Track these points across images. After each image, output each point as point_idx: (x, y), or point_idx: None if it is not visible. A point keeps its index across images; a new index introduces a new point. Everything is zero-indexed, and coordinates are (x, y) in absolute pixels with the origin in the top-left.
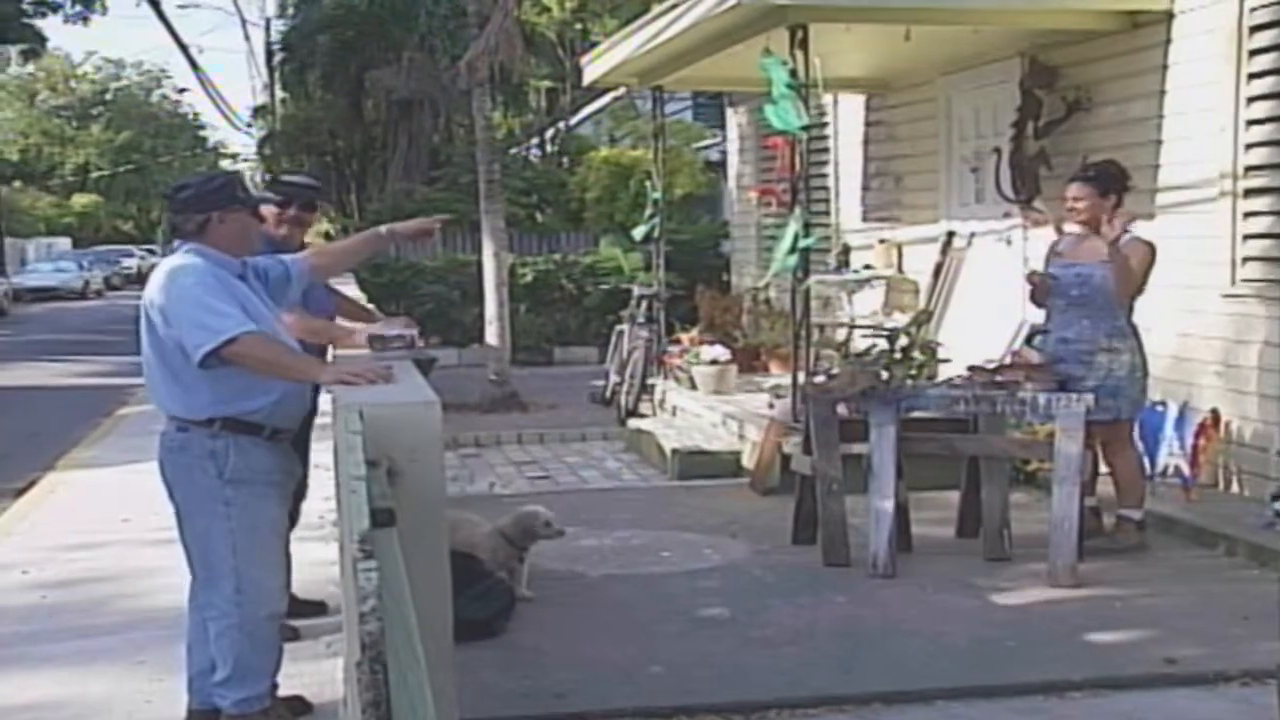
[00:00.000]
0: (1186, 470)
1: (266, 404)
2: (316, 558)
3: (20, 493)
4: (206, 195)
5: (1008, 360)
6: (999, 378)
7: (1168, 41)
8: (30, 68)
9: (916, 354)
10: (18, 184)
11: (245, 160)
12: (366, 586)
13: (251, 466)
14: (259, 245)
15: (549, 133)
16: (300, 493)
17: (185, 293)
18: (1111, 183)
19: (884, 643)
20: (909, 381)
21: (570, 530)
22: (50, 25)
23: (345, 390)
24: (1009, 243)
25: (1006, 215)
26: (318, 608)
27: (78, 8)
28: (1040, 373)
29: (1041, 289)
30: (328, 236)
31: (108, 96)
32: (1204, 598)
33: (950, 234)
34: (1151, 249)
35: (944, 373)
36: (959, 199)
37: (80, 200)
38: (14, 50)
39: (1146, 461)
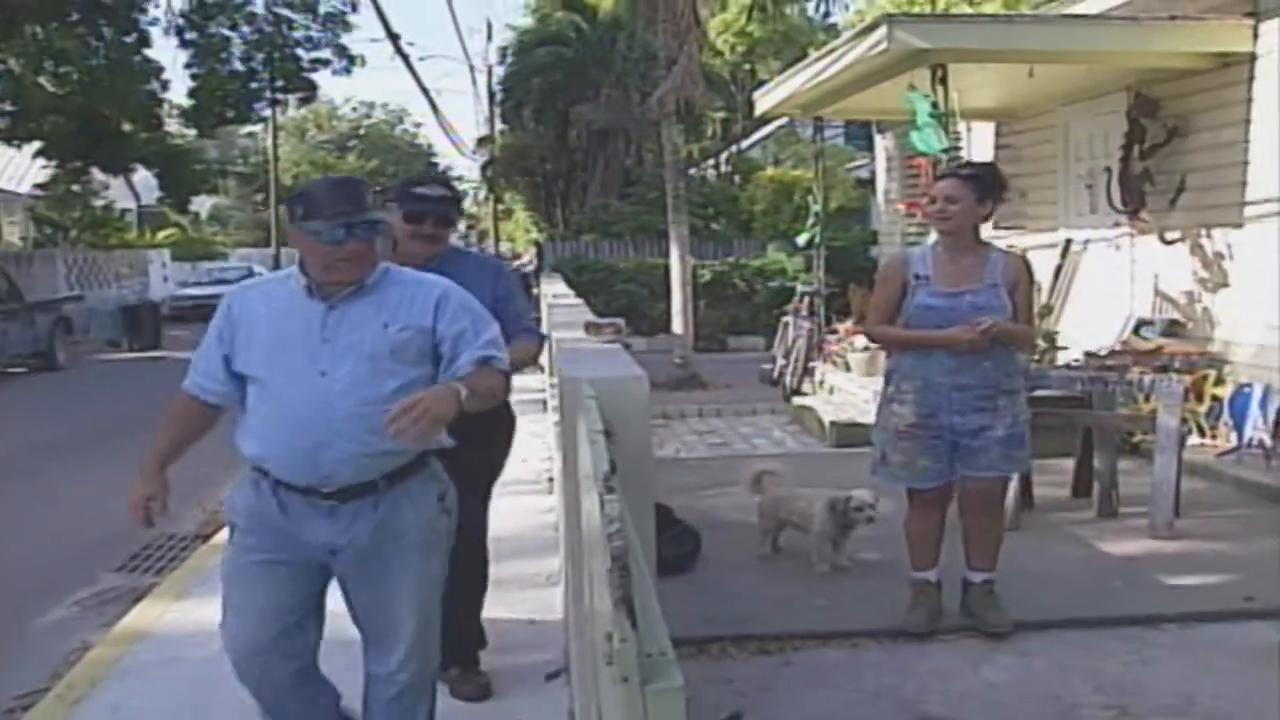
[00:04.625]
0: (1269, 441)
1: (252, 450)
2: (536, 506)
3: None
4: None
5: (1117, 348)
6: (1110, 362)
7: (1251, 79)
8: (304, 111)
9: (1040, 342)
10: None
11: (469, 182)
12: (613, 512)
13: (237, 510)
14: (345, 274)
15: (723, 155)
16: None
17: None
18: (990, 188)
19: (1009, 583)
20: (1033, 364)
21: (742, 488)
22: (320, 77)
23: (572, 364)
24: (1118, 248)
25: (1116, 225)
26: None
27: (343, 62)
28: (1148, 358)
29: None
30: (537, 246)
31: (360, 132)
32: None
33: (1068, 241)
34: (1029, 265)
35: (1062, 358)
36: (1075, 210)
37: None
38: (293, 98)
39: (1235, 435)
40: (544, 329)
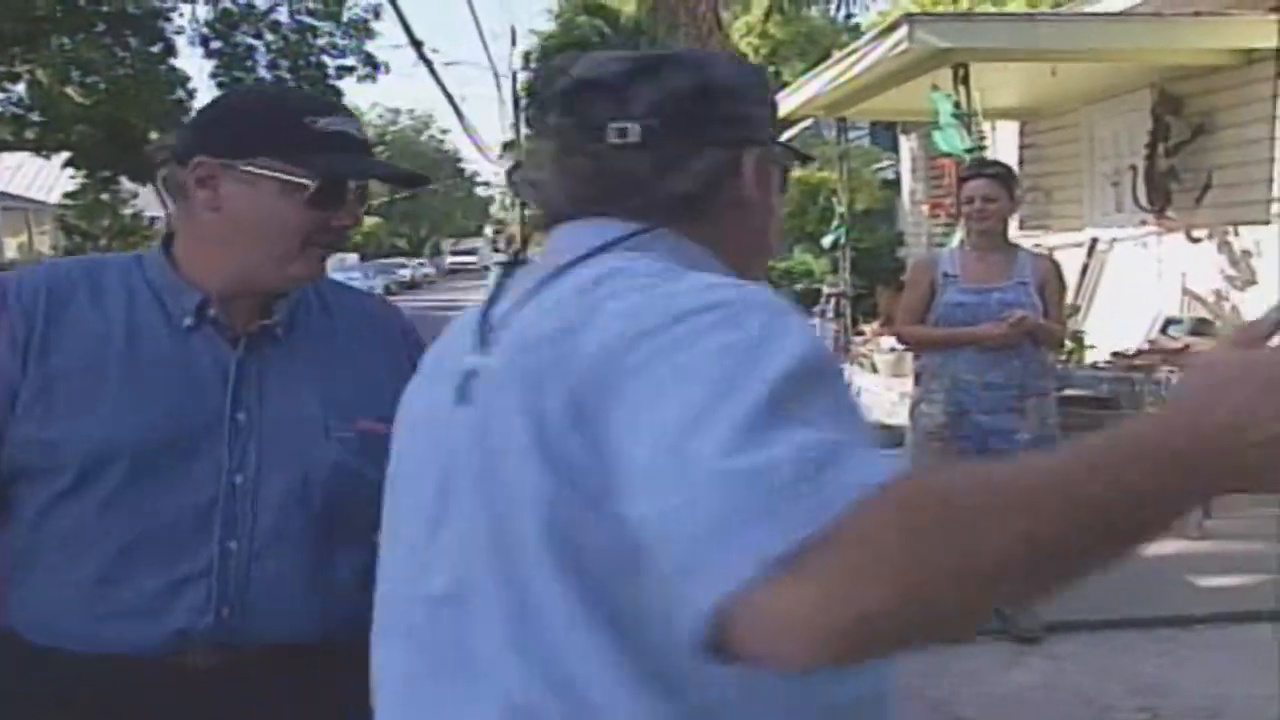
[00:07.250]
0: None
1: None
2: None
3: None
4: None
5: (1144, 347)
6: (1137, 362)
7: (1277, 75)
8: None
9: (1067, 342)
10: None
11: (496, 187)
12: None
13: None
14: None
15: None
16: None
17: None
18: (1015, 184)
19: None
20: (1059, 365)
21: None
22: (346, 84)
23: None
24: (1144, 246)
25: (1142, 223)
26: None
27: (368, 69)
28: (1176, 357)
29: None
30: None
31: (387, 138)
32: None
33: (1094, 240)
34: (1059, 267)
35: (1089, 358)
36: (1101, 210)
37: (367, 222)
38: None
39: None
40: None
